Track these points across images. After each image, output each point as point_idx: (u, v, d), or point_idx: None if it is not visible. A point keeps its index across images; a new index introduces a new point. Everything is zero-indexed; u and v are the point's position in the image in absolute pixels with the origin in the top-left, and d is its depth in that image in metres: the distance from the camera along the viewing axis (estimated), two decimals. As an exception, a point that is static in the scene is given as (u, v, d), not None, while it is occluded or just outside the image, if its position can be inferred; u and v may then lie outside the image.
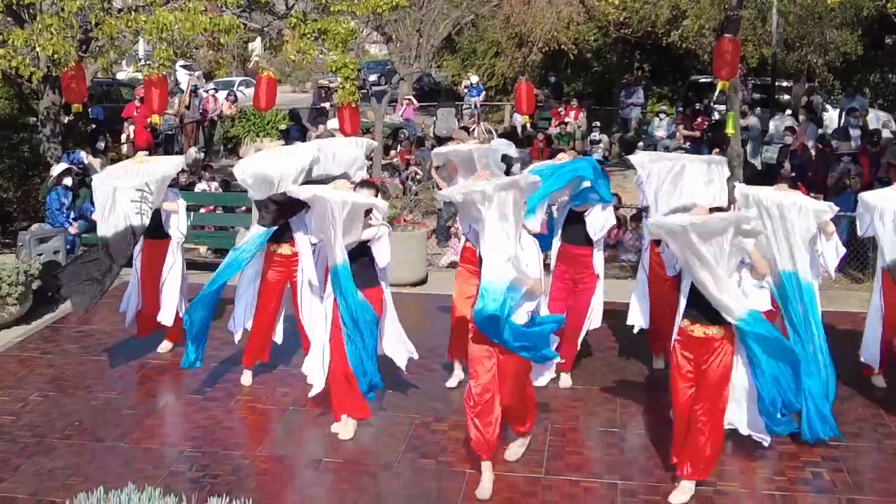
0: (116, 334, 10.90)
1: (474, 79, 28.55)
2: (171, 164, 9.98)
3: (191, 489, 7.00)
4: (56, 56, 12.85)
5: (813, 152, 17.79)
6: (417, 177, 18.15)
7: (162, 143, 20.39)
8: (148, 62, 15.73)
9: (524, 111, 17.24)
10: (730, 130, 14.34)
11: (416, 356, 8.70)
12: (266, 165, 8.92)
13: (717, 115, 21.95)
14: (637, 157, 9.61)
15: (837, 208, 8.21)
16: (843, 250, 8.38)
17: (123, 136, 19.58)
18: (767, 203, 7.94)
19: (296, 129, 22.09)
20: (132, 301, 10.16)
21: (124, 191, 9.38)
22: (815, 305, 8.13)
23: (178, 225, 9.90)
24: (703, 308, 6.92)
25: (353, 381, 7.96)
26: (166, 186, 9.70)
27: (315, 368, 8.19)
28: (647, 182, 9.16)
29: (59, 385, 9.42)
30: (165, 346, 10.36)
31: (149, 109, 14.46)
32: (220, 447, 8.01)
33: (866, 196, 9.25)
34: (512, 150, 9.82)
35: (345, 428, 8.14)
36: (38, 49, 12.85)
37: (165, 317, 9.86)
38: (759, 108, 22.60)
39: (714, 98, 22.86)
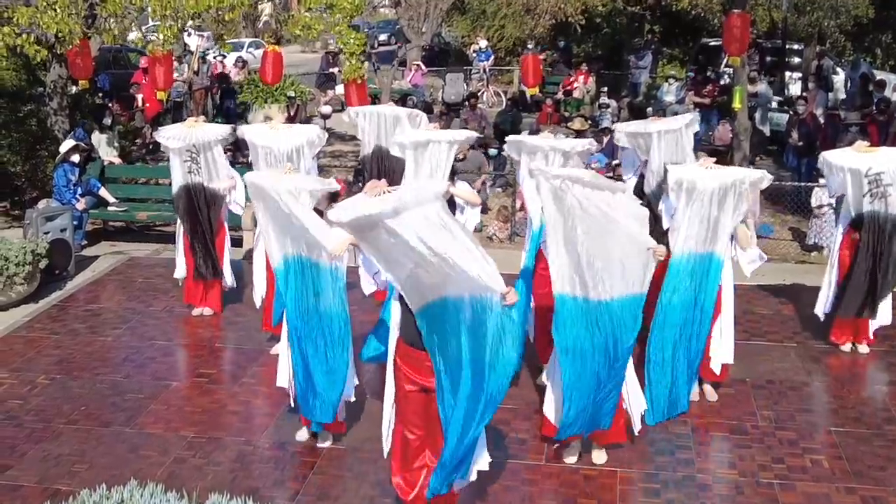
0: (123, 313, 11.05)
1: (483, 43, 28.46)
2: (214, 131, 10.63)
3: (193, 479, 7.09)
4: (61, 34, 12.83)
5: (822, 120, 17.70)
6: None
7: (171, 110, 20.35)
8: (156, 24, 15.70)
9: (531, 84, 17.32)
10: (736, 105, 14.28)
11: None
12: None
13: (726, 79, 21.82)
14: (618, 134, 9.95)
15: (771, 177, 8.11)
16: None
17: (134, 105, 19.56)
18: (705, 189, 7.73)
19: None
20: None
21: (178, 152, 10.40)
22: (717, 280, 7.96)
23: (235, 199, 10.75)
24: None
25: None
26: (217, 153, 10.50)
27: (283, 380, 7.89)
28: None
29: (66, 367, 9.52)
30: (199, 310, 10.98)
31: (154, 85, 14.47)
32: (223, 433, 8.09)
33: (830, 157, 9.33)
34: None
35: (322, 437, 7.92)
36: (42, 27, 12.82)
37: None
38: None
39: (724, 62, 22.75)
